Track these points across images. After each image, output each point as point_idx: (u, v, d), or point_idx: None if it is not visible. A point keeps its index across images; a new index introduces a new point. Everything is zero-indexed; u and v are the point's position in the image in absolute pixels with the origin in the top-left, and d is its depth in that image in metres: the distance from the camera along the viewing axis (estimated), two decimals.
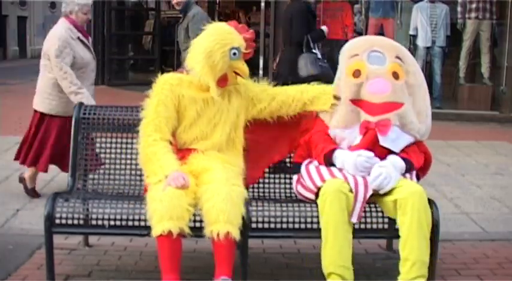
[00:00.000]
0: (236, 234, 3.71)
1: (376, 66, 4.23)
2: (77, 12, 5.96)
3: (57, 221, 3.90)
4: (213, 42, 4.04)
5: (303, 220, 4.00)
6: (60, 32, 5.87)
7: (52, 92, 5.93)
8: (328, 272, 3.87)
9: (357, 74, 4.23)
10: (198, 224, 3.82)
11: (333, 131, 4.25)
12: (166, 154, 3.94)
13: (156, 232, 3.67)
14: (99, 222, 3.93)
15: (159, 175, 3.85)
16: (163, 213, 3.66)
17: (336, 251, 3.85)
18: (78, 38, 5.96)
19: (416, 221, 3.85)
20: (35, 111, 6.10)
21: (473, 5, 11.63)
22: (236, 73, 4.15)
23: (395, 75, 4.23)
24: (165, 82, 4.14)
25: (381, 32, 12.38)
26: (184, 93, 4.12)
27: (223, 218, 3.69)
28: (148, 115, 4.07)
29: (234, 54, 4.07)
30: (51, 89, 5.94)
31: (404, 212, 3.87)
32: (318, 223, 3.96)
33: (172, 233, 3.65)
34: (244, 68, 4.15)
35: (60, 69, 5.76)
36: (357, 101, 4.20)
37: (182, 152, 4.07)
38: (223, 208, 3.70)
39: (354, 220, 3.92)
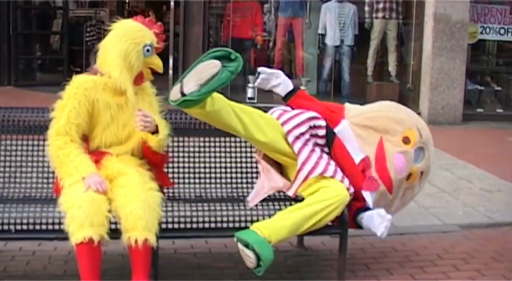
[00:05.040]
0: (153, 241, 3.69)
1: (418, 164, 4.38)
2: None
3: None
4: (126, 43, 3.93)
5: (213, 219, 3.99)
6: None
7: None
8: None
9: (406, 140, 4.30)
10: (112, 226, 3.74)
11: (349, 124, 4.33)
12: (79, 155, 3.84)
13: (76, 239, 3.57)
14: (5, 227, 3.81)
15: (75, 176, 3.76)
16: (83, 220, 3.57)
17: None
18: None
19: (314, 205, 3.96)
20: None
21: (380, 5, 11.88)
22: (151, 69, 4.08)
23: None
24: (79, 86, 3.94)
25: (289, 31, 12.53)
26: (99, 97, 3.95)
27: (141, 225, 3.65)
28: (59, 119, 3.90)
29: (148, 50, 3.99)
30: None
31: (315, 195, 4.02)
32: (228, 222, 3.99)
33: (94, 241, 3.57)
34: (158, 63, 4.08)
35: None
36: (379, 149, 4.28)
37: (95, 154, 3.95)
38: (141, 215, 3.66)
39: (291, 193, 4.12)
